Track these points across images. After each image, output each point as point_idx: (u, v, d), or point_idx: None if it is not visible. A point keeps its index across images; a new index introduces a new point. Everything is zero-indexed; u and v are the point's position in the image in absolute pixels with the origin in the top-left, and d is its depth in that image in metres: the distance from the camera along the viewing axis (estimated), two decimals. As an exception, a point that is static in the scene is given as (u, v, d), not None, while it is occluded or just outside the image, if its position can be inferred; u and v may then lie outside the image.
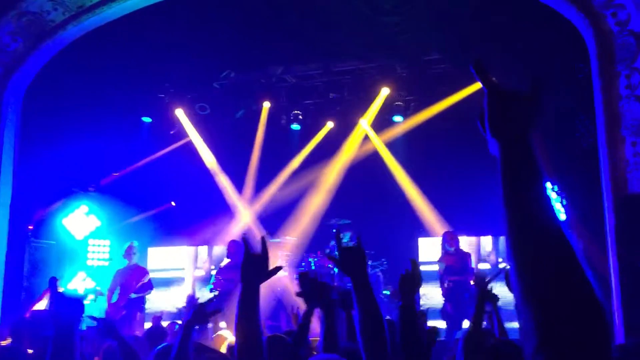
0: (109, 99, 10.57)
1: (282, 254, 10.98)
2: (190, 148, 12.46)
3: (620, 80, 6.61)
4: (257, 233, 11.49)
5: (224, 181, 12.26)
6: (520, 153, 1.14)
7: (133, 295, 9.26)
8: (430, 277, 10.76)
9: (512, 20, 8.76)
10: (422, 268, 10.36)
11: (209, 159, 12.32)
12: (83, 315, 2.51)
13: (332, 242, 10.77)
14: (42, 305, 9.16)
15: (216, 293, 9.06)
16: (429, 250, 11.31)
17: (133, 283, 9.31)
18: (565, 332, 0.98)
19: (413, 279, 3.04)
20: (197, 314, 3.20)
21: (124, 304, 9.23)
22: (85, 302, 2.68)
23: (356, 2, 8.89)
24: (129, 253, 9.51)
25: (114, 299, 9.31)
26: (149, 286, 9.48)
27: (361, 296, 2.43)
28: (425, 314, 6.15)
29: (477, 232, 11.12)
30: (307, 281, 3.38)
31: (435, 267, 9.50)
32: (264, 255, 2.43)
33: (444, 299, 8.90)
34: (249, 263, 2.42)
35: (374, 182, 11.83)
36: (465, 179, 10.76)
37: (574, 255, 1.02)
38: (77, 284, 10.21)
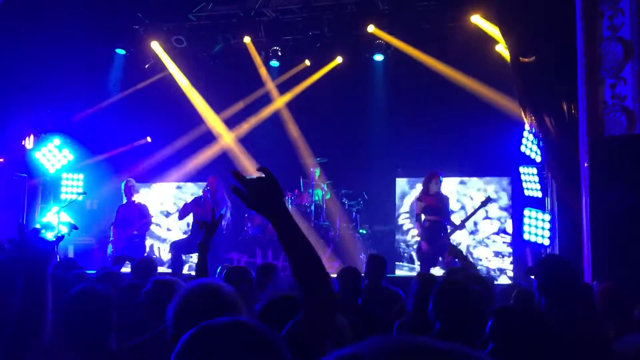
0: (81, 29, 10.21)
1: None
2: (166, 82, 12.19)
3: (603, 22, 6.51)
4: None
5: (205, 113, 12.09)
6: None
7: (135, 232, 9.36)
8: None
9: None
10: (398, 208, 10.38)
11: (189, 91, 12.09)
12: (54, 258, 2.47)
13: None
14: None
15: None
16: (406, 190, 11.37)
17: (135, 219, 9.35)
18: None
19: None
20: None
21: (125, 239, 9.29)
22: (59, 235, 2.61)
23: None
24: (128, 191, 9.45)
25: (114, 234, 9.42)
26: (148, 225, 9.74)
27: (286, 234, 1.91)
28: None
29: (459, 173, 11.12)
30: None
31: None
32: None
33: (419, 237, 8.98)
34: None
35: (353, 120, 11.75)
36: (446, 119, 10.73)
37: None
38: (50, 217, 10.11)
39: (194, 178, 11.93)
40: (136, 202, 9.66)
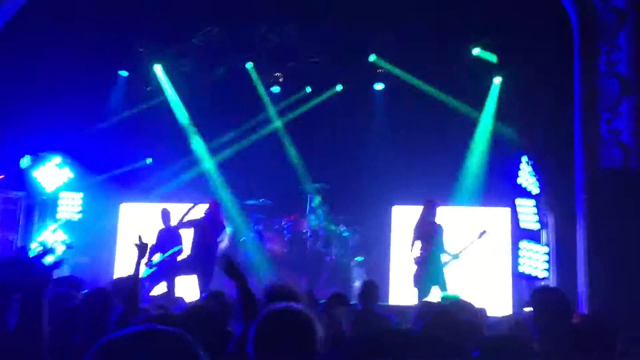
0: (85, 49, 10.32)
1: (256, 216, 10.96)
2: (168, 104, 12.27)
3: (600, 57, 6.61)
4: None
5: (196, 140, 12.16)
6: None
7: (167, 256, 9.39)
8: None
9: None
10: (394, 236, 10.35)
11: (183, 116, 12.15)
12: (49, 282, 2.46)
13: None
14: None
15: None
16: (403, 219, 11.35)
17: (167, 245, 9.49)
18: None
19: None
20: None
21: (157, 263, 9.40)
22: (57, 260, 2.62)
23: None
24: (164, 220, 9.63)
25: (159, 257, 9.51)
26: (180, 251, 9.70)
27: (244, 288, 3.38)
28: None
29: (458, 202, 11.10)
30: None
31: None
32: None
33: (415, 265, 8.93)
34: None
35: (352, 148, 11.81)
36: (446, 149, 10.79)
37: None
38: (47, 236, 10.10)
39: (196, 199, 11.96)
40: (171, 228, 9.71)
